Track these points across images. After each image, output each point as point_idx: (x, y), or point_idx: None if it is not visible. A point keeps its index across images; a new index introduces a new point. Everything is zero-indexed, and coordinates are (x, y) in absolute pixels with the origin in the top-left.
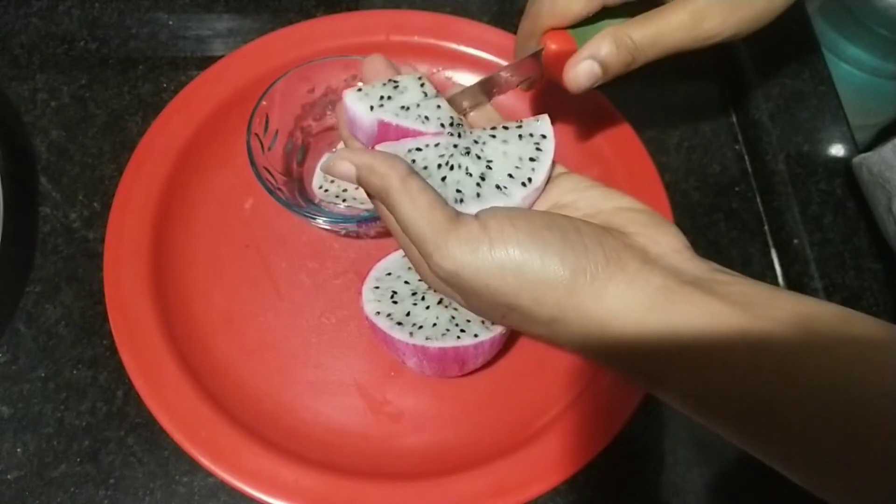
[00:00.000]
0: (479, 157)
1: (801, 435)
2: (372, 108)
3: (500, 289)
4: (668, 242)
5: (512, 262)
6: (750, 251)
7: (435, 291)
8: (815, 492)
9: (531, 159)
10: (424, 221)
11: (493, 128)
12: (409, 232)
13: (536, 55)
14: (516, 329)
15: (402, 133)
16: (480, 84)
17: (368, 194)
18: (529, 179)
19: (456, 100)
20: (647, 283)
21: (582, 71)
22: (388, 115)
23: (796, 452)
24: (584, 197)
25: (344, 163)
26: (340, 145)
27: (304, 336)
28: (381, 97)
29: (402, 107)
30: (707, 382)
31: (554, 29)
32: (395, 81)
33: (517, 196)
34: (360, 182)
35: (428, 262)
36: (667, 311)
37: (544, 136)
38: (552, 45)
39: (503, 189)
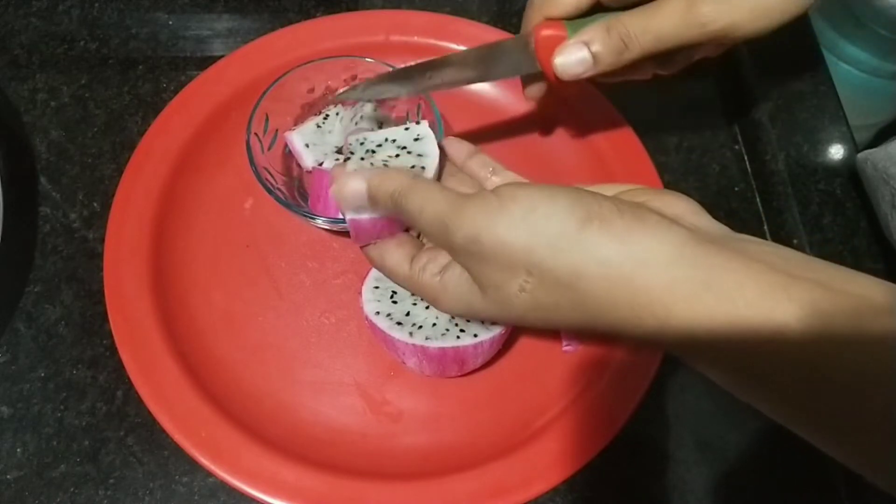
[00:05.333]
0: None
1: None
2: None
3: (515, 241)
4: (681, 206)
5: (521, 211)
6: None
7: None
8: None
9: (412, 167)
10: (440, 198)
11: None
12: (426, 214)
13: (526, 39)
14: (539, 312)
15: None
16: (458, 58)
17: (379, 206)
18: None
19: (426, 75)
20: (671, 234)
21: (570, 55)
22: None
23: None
24: None
25: (353, 181)
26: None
27: (304, 336)
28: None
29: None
30: (748, 338)
31: (549, 19)
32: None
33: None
34: (371, 193)
35: (447, 238)
36: (698, 262)
37: (418, 125)
38: (543, 31)
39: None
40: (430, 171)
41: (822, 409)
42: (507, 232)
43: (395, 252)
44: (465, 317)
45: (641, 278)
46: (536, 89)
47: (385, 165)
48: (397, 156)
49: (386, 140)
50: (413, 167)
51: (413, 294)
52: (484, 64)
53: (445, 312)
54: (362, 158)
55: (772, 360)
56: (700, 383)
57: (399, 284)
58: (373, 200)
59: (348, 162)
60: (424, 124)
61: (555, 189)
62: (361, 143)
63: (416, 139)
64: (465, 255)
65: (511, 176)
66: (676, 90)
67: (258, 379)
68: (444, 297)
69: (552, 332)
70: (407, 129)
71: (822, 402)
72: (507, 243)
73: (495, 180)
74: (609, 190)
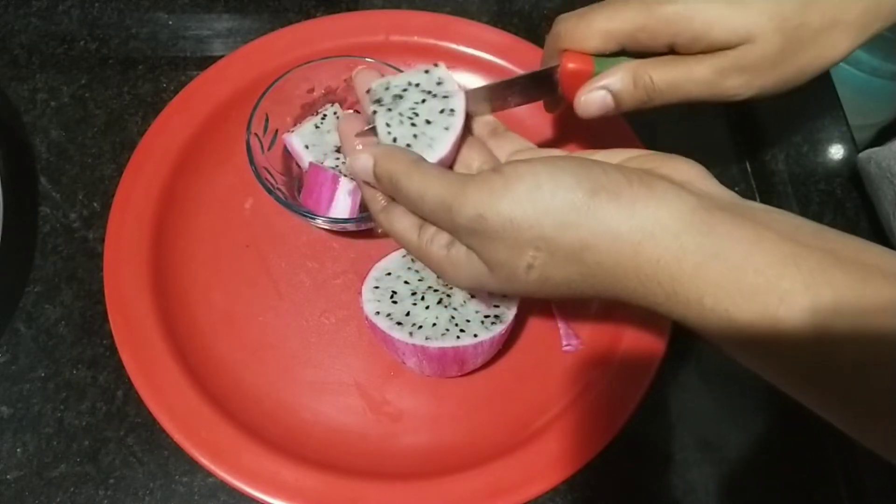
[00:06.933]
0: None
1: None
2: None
3: (522, 218)
4: (690, 171)
5: (526, 188)
6: None
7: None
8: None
9: (441, 111)
10: (439, 182)
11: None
12: (427, 198)
13: (552, 71)
14: (548, 286)
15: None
16: (487, 90)
17: (381, 184)
18: (447, 128)
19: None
20: (680, 202)
21: (593, 99)
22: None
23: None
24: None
25: (363, 156)
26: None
27: (304, 336)
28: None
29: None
30: (755, 306)
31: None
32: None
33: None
34: (377, 172)
35: (451, 220)
36: (706, 231)
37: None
38: (569, 65)
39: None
40: (459, 113)
41: (827, 382)
42: (513, 210)
43: (403, 219)
44: (474, 290)
45: (650, 248)
46: (557, 107)
47: (414, 114)
48: (424, 101)
49: (410, 84)
50: (442, 111)
51: (421, 263)
52: (509, 94)
53: (452, 284)
54: (389, 109)
55: (779, 327)
56: (700, 383)
57: (407, 251)
58: (376, 177)
59: (375, 114)
60: (443, 67)
61: (559, 163)
62: (387, 89)
63: (438, 83)
64: (470, 234)
65: (512, 137)
66: None
67: (258, 379)
68: (452, 271)
69: (552, 332)
70: (427, 71)
71: (827, 374)
72: (514, 221)
73: (505, 147)
74: (616, 156)
